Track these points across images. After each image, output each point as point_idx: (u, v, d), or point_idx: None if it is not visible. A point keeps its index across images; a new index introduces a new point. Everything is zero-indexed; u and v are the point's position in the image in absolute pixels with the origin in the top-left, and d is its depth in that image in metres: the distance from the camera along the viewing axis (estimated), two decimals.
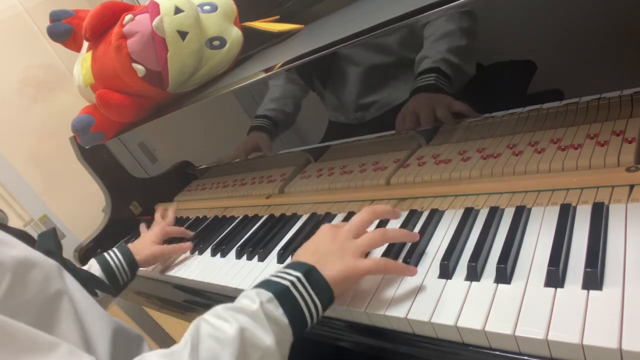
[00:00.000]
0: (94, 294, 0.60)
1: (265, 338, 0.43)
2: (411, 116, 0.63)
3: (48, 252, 0.50)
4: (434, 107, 0.60)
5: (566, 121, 0.61)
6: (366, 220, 0.57)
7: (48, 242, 0.60)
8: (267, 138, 0.83)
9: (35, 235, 0.63)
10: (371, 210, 0.57)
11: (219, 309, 0.45)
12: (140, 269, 0.87)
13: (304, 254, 0.53)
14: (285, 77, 0.75)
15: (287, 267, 0.50)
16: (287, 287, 0.47)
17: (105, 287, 0.68)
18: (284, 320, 0.45)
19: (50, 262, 0.48)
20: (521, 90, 0.52)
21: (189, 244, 0.91)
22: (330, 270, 0.49)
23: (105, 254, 0.83)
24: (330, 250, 0.52)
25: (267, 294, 0.46)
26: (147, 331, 1.49)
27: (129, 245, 0.87)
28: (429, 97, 0.60)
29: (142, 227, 1.11)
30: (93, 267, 0.79)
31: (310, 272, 0.49)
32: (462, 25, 0.52)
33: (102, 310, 0.57)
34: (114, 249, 0.84)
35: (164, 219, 1.03)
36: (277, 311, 0.45)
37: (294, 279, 0.48)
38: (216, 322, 0.43)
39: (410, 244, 0.57)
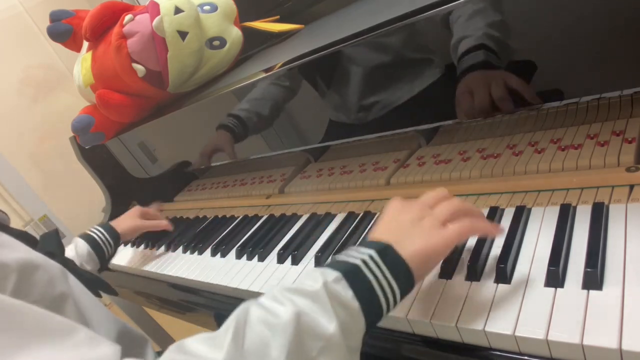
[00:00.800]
0: (96, 295, 0.60)
1: (328, 324, 0.35)
2: (469, 101, 0.54)
3: (50, 254, 0.50)
4: (492, 86, 0.52)
5: (566, 121, 0.61)
6: (439, 197, 0.48)
7: (50, 243, 0.60)
8: (230, 139, 0.87)
9: (35, 235, 0.63)
10: (468, 206, 0.48)
11: (275, 290, 0.38)
12: (144, 269, 0.89)
13: (376, 231, 0.45)
14: (270, 80, 0.75)
15: (360, 245, 0.42)
16: (357, 266, 0.39)
17: (108, 289, 0.68)
18: (354, 303, 0.37)
19: (54, 265, 0.48)
20: (520, 90, 0.52)
21: (165, 222, 0.99)
22: (408, 247, 0.41)
23: (89, 231, 0.87)
24: (405, 225, 0.44)
25: (333, 273, 0.38)
26: (147, 331, 1.49)
27: (112, 222, 0.93)
28: (483, 76, 0.51)
29: None
30: (79, 244, 0.82)
31: (385, 250, 0.40)
32: (491, 2, 0.47)
33: (106, 310, 0.57)
34: (96, 225, 0.89)
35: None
36: (346, 293, 0.37)
37: (366, 257, 0.40)
38: (269, 303, 0.37)
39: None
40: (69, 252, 0.80)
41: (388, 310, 0.40)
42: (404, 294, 0.40)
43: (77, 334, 0.35)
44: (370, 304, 0.38)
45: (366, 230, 0.64)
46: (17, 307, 0.34)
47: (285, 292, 0.38)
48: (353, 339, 0.38)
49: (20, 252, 0.43)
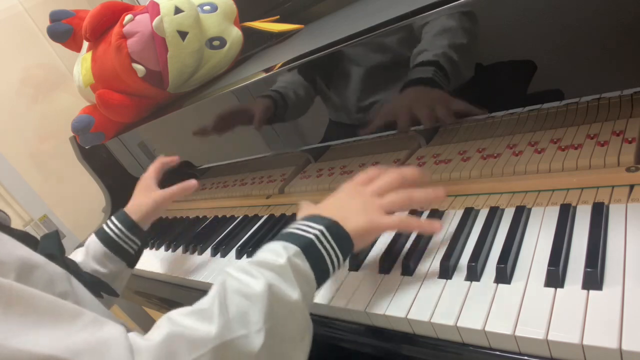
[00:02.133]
0: (98, 296, 0.60)
1: (292, 293, 0.43)
2: (405, 113, 0.61)
3: (50, 256, 0.49)
4: (430, 102, 0.58)
5: (566, 121, 0.61)
6: (393, 183, 0.54)
7: (51, 245, 0.59)
8: (272, 106, 0.76)
9: (36, 235, 0.63)
10: (399, 173, 0.55)
11: (243, 263, 0.45)
12: (145, 269, 0.84)
13: (325, 208, 0.53)
14: (292, 76, 0.72)
15: (308, 219, 0.50)
16: (312, 240, 0.47)
17: (109, 290, 0.67)
18: (310, 273, 0.45)
19: (55, 267, 0.47)
20: (521, 90, 0.52)
21: (194, 181, 0.80)
22: (352, 224, 0.49)
23: (103, 224, 0.75)
24: (352, 206, 0.52)
25: (294, 248, 0.45)
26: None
27: (126, 207, 0.78)
28: (425, 92, 0.58)
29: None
30: (91, 240, 0.73)
31: (331, 226, 0.48)
32: (462, 24, 0.51)
33: (109, 312, 0.57)
34: (111, 216, 0.77)
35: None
36: (304, 264, 0.45)
37: (318, 232, 0.47)
38: (243, 277, 0.43)
39: (410, 244, 0.57)
40: (79, 256, 0.72)
41: (333, 273, 0.48)
42: (345, 259, 0.49)
43: (85, 316, 0.37)
44: (322, 273, 0.47)
45: None
46: (30, 293, 0.36)
47: (255, 265, 0.44)
48: (309, 300, 0.46)
49: (19, 251, 0.43)
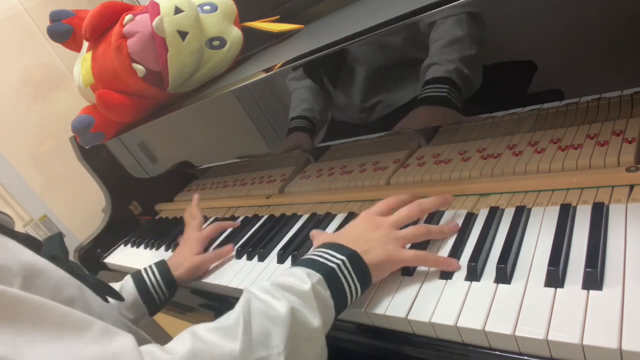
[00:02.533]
0: (104, 300, 0.59)
1: (314, 319, 0.44)
2: (416, 122, 0.62)
3: (54, 258, 0.48)
4: (441, 118, 0.59)
5: (566, 121, 0.61)
6: (412, 216, 0.57)
7: (54, 247, 0.58)
8: (308, 137, 0.77)
9: (37, 236, 0.63)
10: (418, 205, 0.57)
11: (267, 285, 0.46)
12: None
13: (345, 238, 0.54)
14: (300, 77, 0.72)
15: (329, 248, 0.51)
16: (334, 269, 0.48)
17: (115, 294, 0.65)
18: (331, 301, 0.47)
19: (60, 271, 0.46)
20: (521, 90, 0.52)
21: (229, 247, 0.82)
22: (371, 256, 0.50)
23: (142, 270, 0.76)
24: (372, 238, 0.53)
25: (317, 275, 0.47)
26: (147, 331, 1.49)
27: (168, 259, 0.80)
28: (437, 110, 0.58)
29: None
30: (127, 284, 0.74)
31: (353, 257, 0.50)
32: (471, 32, 0.50)
33: (118, 317, 0.56)
34: (152, 264, 0.78)
35: (193, 219, 0.91)
36: (326, 293, 0.46)
37: (340, 262, 0.49)
38: (267, 298, 0.44)
39: (410, 244, 0.57)
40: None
41: (351, 304, 0.49)
42: (363, 291, 0.50)
43: (94, 326, 0.37)
44: (342, 302, 0.48)
45: None
46: (39, 303, 0.35)
47: (279, 288, 0.45)
48: (328, 327, 0.47)
49: (24, 256, 0.42)
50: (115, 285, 0.73)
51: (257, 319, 0.42)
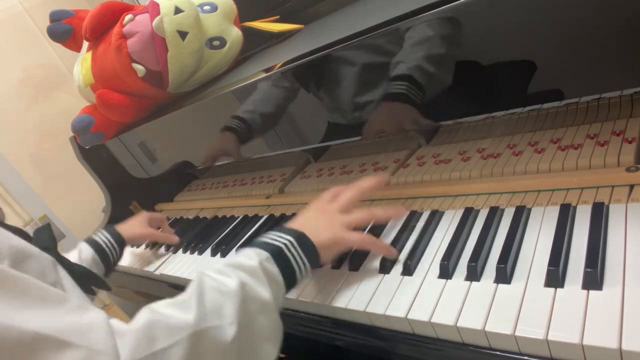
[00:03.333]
0: (89, 290, 0.60)
1: (264, 292, 0.48)
2: (377, 124, 0.66)
3: (44, 248, 0.51)
4: (401, 117, 0.62)
5: (566, 121, 0.61)
6: (354, 197, 0.61)
7: (44, 238, 0.60)
8: (236, 140, 0.86)
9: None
10: (358, 187, 0.62)
11: (219, 265, 0.49)
12: (144, 269, 0.86)
13: (296, 223, 0.58)
14: (270, 81, 0.75)
15: (280, 231, 0.55)
16: (281, 248, 0.52)
17: (101, 283, 0.68)
18: (279, 277, 0.51)
19: (45, 256, 0.49)
20: (521, 90, 0.52)
21: (177, 238, 0.93)
22: (320, 238, 0.55)
23: (94, 235, 0.84)
24: (320, 222, 0.58)
25: (264, 254, 0.51)
26: None
27: (116, 226, 0.89)
28: (396, 107, 0.61)
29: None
30: (84, 249, 0.80)
31: (301, 237, 0.54)
32: (443, 32, 0.53)
33: (92, 304, 0.57)
34: (101, 229, 0.86)
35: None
36: (274, 269, 0.50)
37: (287, 242, 0.53)
38: (218, 276, 0.47)
39: (411, 244, 0.57)
40: (73, 257, 0.77)
41: (301, 279, 0.53)
42: (312, 268, 0.55)
43: (70, 301, 0.40)
44: (291, 278, 0.52)
45: (366, 230, 0.64)
46: (22, 278, 0.39)
47: (229, 267, 0.49)
48: (279, 302, 0.50)
49: (13, 241, 0.45)
50: (74, 252, 0.80)
51: (209, 294, 0.45)
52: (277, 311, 0.49)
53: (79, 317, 0.39)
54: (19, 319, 0.36)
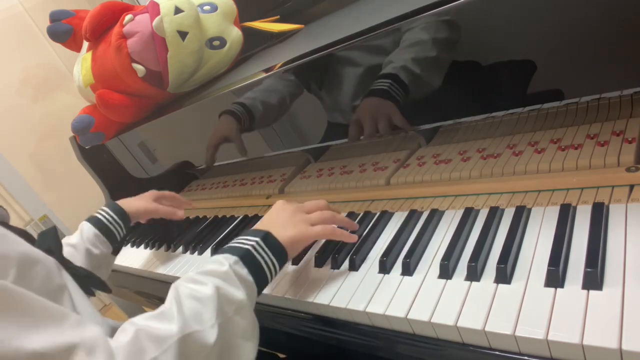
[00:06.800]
0: (90, 293, 0.61)
1: (238, 293, 0.50)
2: (358, 120, 0.68)
3: (48, 251, 0.51)
4: (379, 115, 0.65)
5: (566, 121, 0.61)
6: (317, 203, 0.65)
7: (48, 240, 0.60)
8: (236, 127, 0.85)
9: (35, 235, 0.63)
10: (322, 202, 0.66)
11: (192, 275, 0.51)
12: (145, 269, 0.86)
13: (262, 224, 0.61)
14: (272, 79, 0.75)
15: (246, 234, 0.58)
16: (248, 250, 0.54)
17: (102, 286, 0.68)
18: (250, 278, 0.53)
19: (50, 259, 0.49)
20: (521, 90, 0.52)
21: (182, 212, 0.92)
22: (285, 235, 0.58)
23: (95, 213, 0.83)
24: (284, 220, 0.61)
25: (233, 257, 0.53)
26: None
27: (119, 201, 0.87)
28: (377, 103, 0.63)
29: None
30: (85, 228, 0.79)
31: (266, 237, 0.56)
32: (437, 36, 0.54)
33: (95, 310, 0.57)
34: (103, 206, 0.85)
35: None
36: (243, 271, 0.53)
37: (254, 243, 0.55)
38: (193, 285, 0.49)
39: (410, 244, 0.57)
40: (74, 238, 0.77)
41: (272, 278, 0.56)
42: (281, 266, 0.57)
43: (70, 317, 0.41)
44: (261, 277, 0.54)
45: (366, 230, 0.65)
46: (25, 295, 0.39)
47: (202, 274, 0.51)
48: (253, 301, 0.53)
49: (21, 246, 0.45)
50: (76, 234, 0.79)
51: (187, 302, 0.47)
52: (252, 310, 0.52)
53: (78, 333, 0.40)
54: (26, 340, 0.37)
